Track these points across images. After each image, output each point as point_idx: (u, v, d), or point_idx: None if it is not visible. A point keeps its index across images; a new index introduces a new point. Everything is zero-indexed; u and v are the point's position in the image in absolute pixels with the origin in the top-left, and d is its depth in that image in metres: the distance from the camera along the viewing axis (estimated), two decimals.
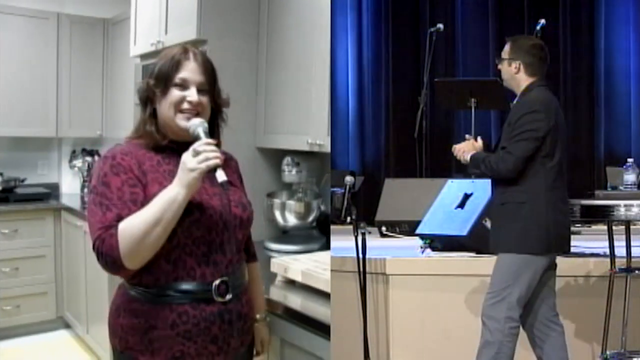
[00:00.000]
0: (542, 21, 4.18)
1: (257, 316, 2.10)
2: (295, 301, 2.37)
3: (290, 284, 2.56)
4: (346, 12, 5.58)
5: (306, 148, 3.04)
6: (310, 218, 3.28)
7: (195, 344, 1.77)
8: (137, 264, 1.72)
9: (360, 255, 2.78)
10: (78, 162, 5.52)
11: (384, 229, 4.11)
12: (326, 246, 3.17)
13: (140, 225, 1.67)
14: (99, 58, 5.32)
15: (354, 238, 2.77)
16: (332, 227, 3.38)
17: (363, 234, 2.77)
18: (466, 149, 2.63)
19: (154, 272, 1.76)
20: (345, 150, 5.53)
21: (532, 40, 2.66)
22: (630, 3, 5.19)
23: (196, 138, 1.75)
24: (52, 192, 5.25)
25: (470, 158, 2.59)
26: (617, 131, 5.24)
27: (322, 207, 3.35)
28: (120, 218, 1.70)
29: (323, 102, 2.97)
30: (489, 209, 2.64)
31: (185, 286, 1.76)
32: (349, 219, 2.75)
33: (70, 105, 5.23)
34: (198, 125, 1.77)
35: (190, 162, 1.67)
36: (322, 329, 2.16)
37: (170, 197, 1.68)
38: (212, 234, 1.80)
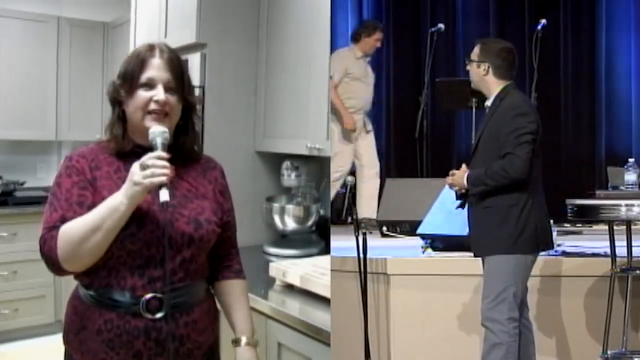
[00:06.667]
0: (543, 21, 4.16)
1: (243, 339, 1.88)
2: (294, 306, 2.37)
3: (289, 288, 2.55)
4: (347, 14, 5.58)
5: (305, 152, 3.03)
6: (310, 222, 3.27)
7: (118, 355, 1.71)
8: (76, 267, 1.70)
9: (361, 255, 2.77)
10: None
11: (384, 229, 4.10)
12: (325, 250, 3.15)
13: (80, 231, 1.64)
14: (99, 61, 5.31)
15: (354, 238, 2.76)
16: (333, 227, 3.36)
17: (364, 234, 2.77)
18: (460, 177, 2.59)
19: (91, 274, 1.73)
20: None
21: (502, 44, 2.65)
22: (631, 3, 5.19)
23: (154, 148, 1.66)
24: None
25: (468, 179, 2.56)
26: (618, 131, 5.24)
27: (321, 212, 3.33)
28: (64, 220, 1.68)
29: (322, 106, 2.96)
30: (469, 212, 2.65)
31: (115, 295, 1.71)
32: (349, 219, 2.75)
33: (69, 108, 5.21)
34: (158, 135, 1.68)
35: (137, 175, 1.60)
36: (320, 333, 2.15)
37: (113, 205, 1.63)
38: (151, 250, 1.70)
